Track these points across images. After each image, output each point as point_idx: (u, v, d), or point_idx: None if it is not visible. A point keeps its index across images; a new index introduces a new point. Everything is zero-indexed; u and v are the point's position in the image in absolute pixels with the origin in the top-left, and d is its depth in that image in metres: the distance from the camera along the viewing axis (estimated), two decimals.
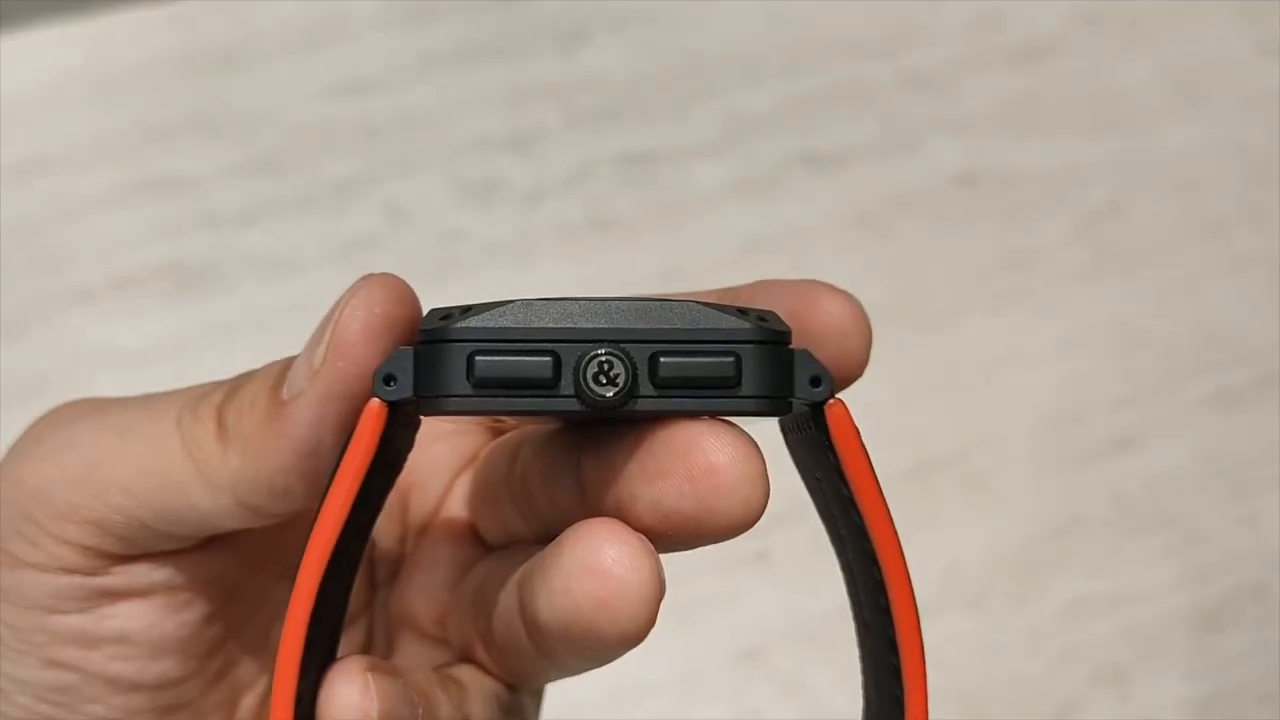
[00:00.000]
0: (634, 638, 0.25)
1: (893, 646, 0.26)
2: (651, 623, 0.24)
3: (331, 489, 0.25)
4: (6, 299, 0.60)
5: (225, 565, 0.30)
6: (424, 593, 0.32)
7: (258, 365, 0.28)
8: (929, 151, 0.67)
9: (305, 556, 0.25)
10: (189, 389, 0.29)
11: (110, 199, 0.63)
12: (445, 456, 0.32)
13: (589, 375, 0.24)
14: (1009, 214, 0.66)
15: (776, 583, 0.56)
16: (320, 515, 0.25)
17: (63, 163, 0.64)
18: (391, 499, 0.29)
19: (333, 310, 0.26)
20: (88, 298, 0.61)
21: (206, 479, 0.27)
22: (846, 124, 0.68)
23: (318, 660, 0.27)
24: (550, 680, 0.30)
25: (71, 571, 0.28)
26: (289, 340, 0.29)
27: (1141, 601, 0.57)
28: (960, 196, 0.66)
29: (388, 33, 0.69)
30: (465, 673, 0.30)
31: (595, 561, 0.24)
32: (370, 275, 0.26)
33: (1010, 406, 0.61)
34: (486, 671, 0.30)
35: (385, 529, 0.32)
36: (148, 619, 0.29)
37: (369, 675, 0.26)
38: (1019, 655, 0.55)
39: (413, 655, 0.32)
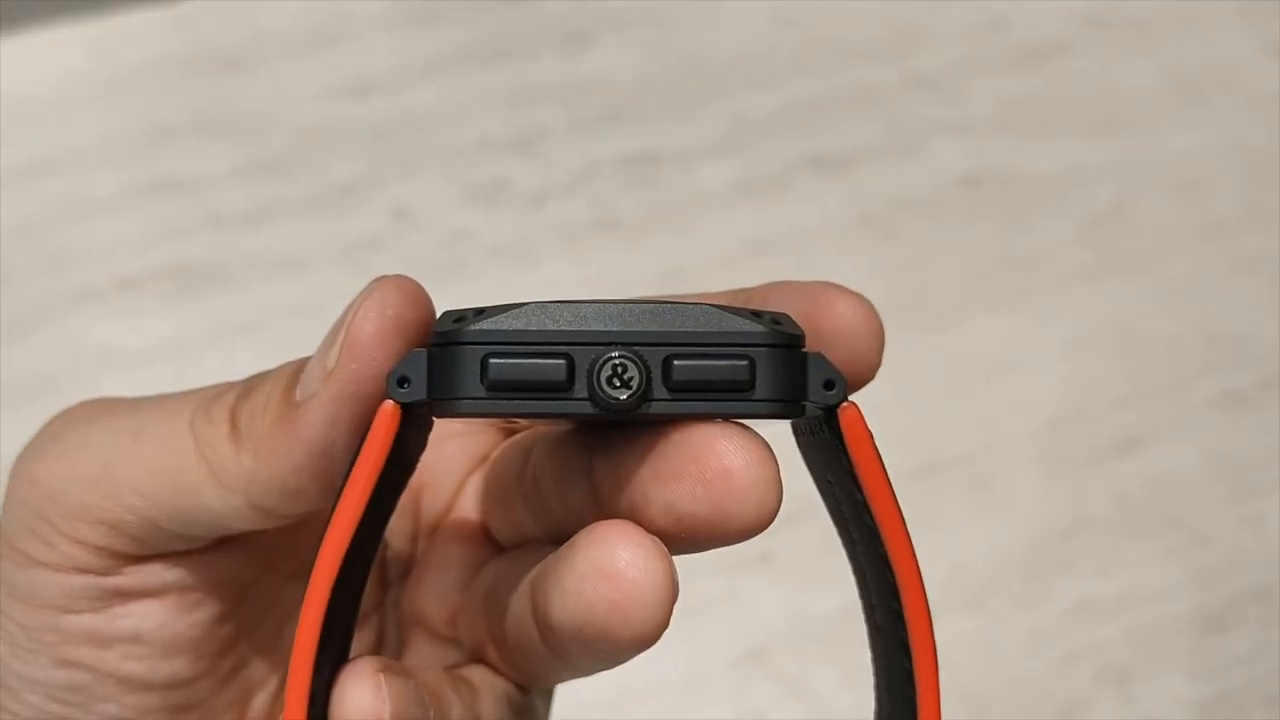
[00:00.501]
0: (647, 640, 0.25)
1: (905, 649, 0.26)
2: (665, 625, 0.24)
3: (345, 490, 0.25)
4: (10, 300, 0.60)
5: (238, 565, 0.30)
6: (435, 593, 0.32)
7: (260, 366, 0.28)
8: (933, 153, 0.68)
9: (319, 557, 0.25)
10: (203, 389, 0.29)
11: (114, 200, 0.63)
12: (457, 456, 0.32)
13: (603, 378, 0.24)
14: (1012, 215, 0.66)
15: (780, 584, 0.56)
16: (334, 516, 0.25)
17: (67, 164, 0.64)
18: (404, 498, 0.29)
19: (346, 312, 0.26)
20: (91, 298, 0.61)
21: (219, 480, 0.27)
22: (850, 126, 0.68)
23: (331, 659, 0.27)
24: (561, 681, 0.30)
25: (84, 571, 0.28)
26: (292, 341, 0.29)
27: (1145, 603, 0.57)
28: (963, 197, 0.67)
29: (391, 34, 0.69)
30: (476, 673, 0.30)
31: (608, 564, 0.24)
32: (383, 277, 0.26)
33: (1013, 407, 0.61)
34: (497, 672, 0.30)
35: (397, 528, 0.32)
36: (160, 619, 0.29)
37: (381, 676, 0.26)
38: (1023, 655, 0.56)
39: (424, 655, 0.32)
